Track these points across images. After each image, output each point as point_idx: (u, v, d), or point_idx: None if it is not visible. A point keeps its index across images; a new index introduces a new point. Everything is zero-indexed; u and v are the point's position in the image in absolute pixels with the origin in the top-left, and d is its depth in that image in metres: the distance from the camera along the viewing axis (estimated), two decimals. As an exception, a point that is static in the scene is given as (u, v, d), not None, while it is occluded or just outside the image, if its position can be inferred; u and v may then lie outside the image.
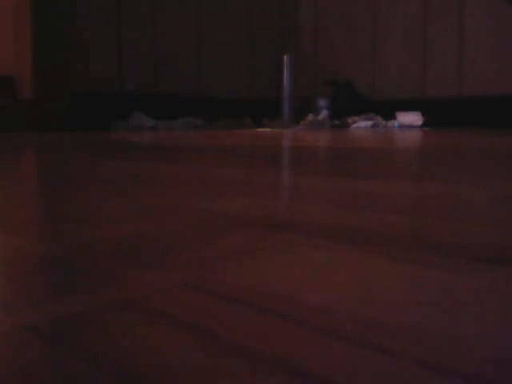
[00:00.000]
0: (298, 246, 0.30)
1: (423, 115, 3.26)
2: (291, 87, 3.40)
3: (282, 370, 0.15)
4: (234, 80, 3.42)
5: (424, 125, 3.22)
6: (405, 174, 0.67)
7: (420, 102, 3.34)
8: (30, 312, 0.20)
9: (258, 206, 0.44)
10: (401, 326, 0.19)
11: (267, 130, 2.87)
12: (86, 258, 0.28)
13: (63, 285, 0.24)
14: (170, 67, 3.06)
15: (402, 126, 3.22)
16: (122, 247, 0.30)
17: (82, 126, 2.66)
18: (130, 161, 0.89)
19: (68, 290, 0.23)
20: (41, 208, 0.44)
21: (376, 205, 0.44)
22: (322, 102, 3.39)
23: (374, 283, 0.23)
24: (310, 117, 3.23)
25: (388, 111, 3.37)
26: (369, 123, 3.19)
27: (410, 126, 3.21)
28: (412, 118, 3.23)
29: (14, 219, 0.39)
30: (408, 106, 3.35)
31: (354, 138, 1.81)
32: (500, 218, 0.38)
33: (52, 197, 0.50)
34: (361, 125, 3.20)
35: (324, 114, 3.27)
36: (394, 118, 3.31)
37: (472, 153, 1.07)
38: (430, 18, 3.31)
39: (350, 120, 3.27)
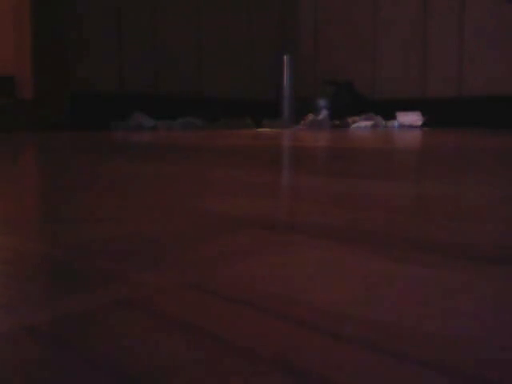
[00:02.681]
0: (298, 246, 0.30)
1: (423, 115, 3.26)
2: (291, 87, 3.40)
3: (282, 370, 0.15)
4: (233, 80, 3.42)
5: (424, 125, 3.22)
6: (405, 175, 0.67)
7: (420, 102, 3.34)
8: (30, 312, 0.20)
9: (258, 206, 0.44)
10: (401, 326, 0.19)
11: (267, 129, 2.87)
12: (86, 258, 0.28)
13: (63, 285, 0.23)
14: (170, 67, 3.06)
15: (402, 126, 3.22)
16: (122, 247, 0.30)
17: (82, 126, 2.66)
18: (130, 161, 0.89)
19: (67, 290, 0.23)
20: (40, 208, 0.44)
21: (376, 205, 0.44)
22: (322, 102, 3.39)
23: (374, 283, 0.23)
24: (310, 117, 3.23)
25: (388, 111, 3.37)
26: (369, 123, 3.19)
27: (410, 126, 3.21)
28: (412, 118, 3.23)
29: (13, 219, 0.39)
30: (408, 106, 3.35)
31: (353, 138, 1.81)
32: (501, 218, 0.38)
33: (51, 197, 0.50)
34: (361, 125, 3.20)
35: (324, 114, 3.27)
36: (394, 118, 3.31)
37: (473, 153, 1.07)
38: (429, 17, 3.31)
39: (350, 120, 3.27)
